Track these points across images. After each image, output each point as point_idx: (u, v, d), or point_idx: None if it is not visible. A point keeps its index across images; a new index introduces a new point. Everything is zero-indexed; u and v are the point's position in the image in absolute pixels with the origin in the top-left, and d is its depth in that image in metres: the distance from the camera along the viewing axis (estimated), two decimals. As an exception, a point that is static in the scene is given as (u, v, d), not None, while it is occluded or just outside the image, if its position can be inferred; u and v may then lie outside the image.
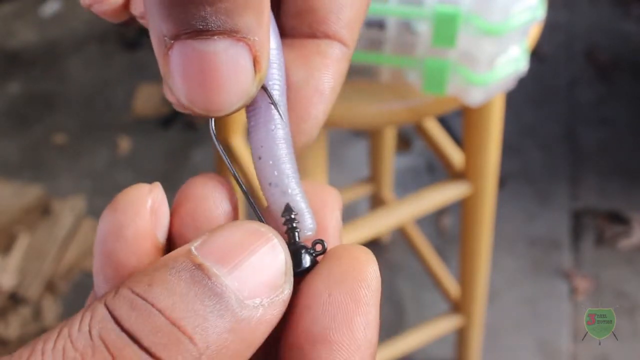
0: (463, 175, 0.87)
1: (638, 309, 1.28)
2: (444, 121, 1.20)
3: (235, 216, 0.22)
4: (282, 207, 0.22)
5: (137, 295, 0.17)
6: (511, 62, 0.69)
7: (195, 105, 0.20)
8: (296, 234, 0.22)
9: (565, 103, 1.66)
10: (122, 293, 0.18)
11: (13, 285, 1.32)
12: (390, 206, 0.91)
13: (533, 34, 0.74)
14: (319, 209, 0.23)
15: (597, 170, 1.50)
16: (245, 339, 0.18)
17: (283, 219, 0.22)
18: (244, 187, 0.23)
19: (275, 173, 0.22)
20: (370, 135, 1.22)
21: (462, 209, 0.93)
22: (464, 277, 1.01)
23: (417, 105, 0.71)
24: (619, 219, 1.41)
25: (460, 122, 0.86)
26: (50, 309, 1.29)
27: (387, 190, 1.25)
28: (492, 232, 0.96)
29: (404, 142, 1.54)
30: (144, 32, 0.25)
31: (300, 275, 0.22)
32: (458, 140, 0.95)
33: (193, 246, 0.19)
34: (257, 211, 0.22)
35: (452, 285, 1.08)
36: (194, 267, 0.18)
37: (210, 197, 0.22)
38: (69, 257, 1.37)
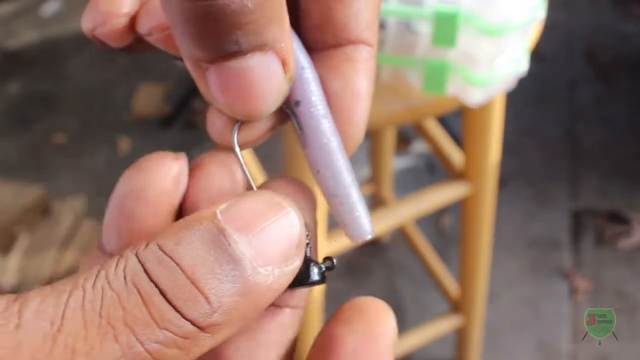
0: (463, 175, 0.87)
1: (638, 309, 1.28)
2: (444, 121, 1.20)
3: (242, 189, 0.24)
4: (345, 216, 0.23)
5: (165, 252, 0.19)
6: (511, 62, 0.69)
7: (237, 114, 0.22)
8: (308, 249, 0.23)
9: (565, 103, 1.66)
10: (151, 248, 0.20)
11: (13, 285, 1.32)
12: (390, 206, 0.91)
13: (533, 34, 0.74)
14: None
15: (597, 170, 1.50)
16: (253, 303, 0.20)
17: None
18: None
19: (333, 184, 0.23)
20: (370, 135, 1.22)
21: (462, 209, 0.93)
22: (464, 277, 1.01)
23: (417, 105, 0.71)
24: (619, 219, 1.41)
25: (460, 122, 0.86)
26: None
27: (387, 190, 1.25)
28: (492, 232, 0.96)
29: (403, 142, 1.54)
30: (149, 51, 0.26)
31: (308, 286, 0.23)
32: (458, 140, 0.95)
33: (218, 210, 0.20)
34: None
35: (452, 285, 1.08)
36: (217, 232, 0.20)
37: (222, 171, 0.24)
38: (69, 257, 1.37)
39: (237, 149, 0.24)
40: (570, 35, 1.80)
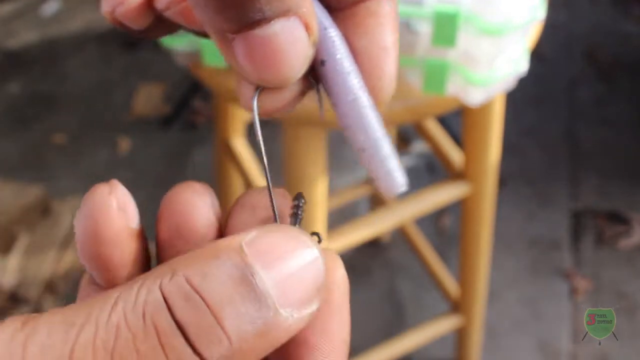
0: (463, 175, 0.87)
1: (638, 309, 1.28)
2: (444, 121, 1.20)
3: (217, 226, 0.23)
4: (376, 169, 0.23)
5: (192, 287, 0.19)
6: (511, 62, 0.69)
7: (265, 81, 0.22)
8: (298, 220, 0.24)
9: (565, 103, 1.66)
10: (178, 281, 0.19)
11: (13, 285, 1.32)
12: (390, 206, 0.91)
13: (533, 34, 0.74)
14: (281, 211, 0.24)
15: (597, 170, 1.50)
16: (269, 343, 0.19)
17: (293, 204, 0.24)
18: (269, 178, 0.24)
19: (363, 138, 0.23)
20: (370, 135, 1.22)
21: (462, 209, 0.93)
22: (464, 277, 1.01)
23: (417, 105, 0.71)
24: (619, 219, 1.41)
25: (460, 122, 0.86)
26: (50, 309, 1.29)
27: (387, 190, 1.25)
28: (492, 232, 0.96)
29: (403, 142, 1.54)
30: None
31: None
32: (458, 140, 0.95)
33: (244, 242, 0.20)
34: (274, 207, 0.24)
35: (452, 285, 1.08)
36: (244, 267, 0.19)
37: (196, 207, 0.23)
38: (69, 257, 1.37)
39: (257, 115, 0.23)
40: (570, 35, 1.80)
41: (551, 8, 0.79)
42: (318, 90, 0.24)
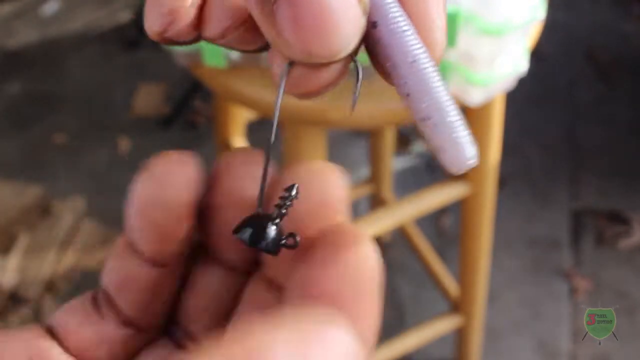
0: (463, 175, 0.87)
1: (638, 309, 1.28)
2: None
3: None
4: (442, 139, 0.20)
5: None
6: (511, 62, 0.69)
7: (315, 55, 0.19)
8: (283, 211, 0.21)
9: (565, 103, 1.66)
10: None
11: (13, 285, 1.32)
12: (390, 206, 0.91)
13: (533, 34, 0.74)
14: (321, 186, 0.22)
15: (597, 170, 1.50)
16: None
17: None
18: (268, 156, 0.22)
19: (425, 104, 0.20)
20: (370, 135, 1.22)
21: (462, 209, 0.93)
22: (464, 277, 1.01)
23: (417, 105, 0.71)
24: (619, 219, 1.41)
25: (460, 122, 0.86)
26: (50, 309, 1.29)
27: (387, 190, 1.25)
28: (492, 232, 0.96)
29: (403, 142, 1.54)
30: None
31: (259, 249, 0.21)
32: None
33: None
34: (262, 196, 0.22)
35: (452, 285, 1.08)
36: None
37: (246, 175, 0.22)
38: (69, 257, 1.37)
39: (281, 93, 0.21)
40: (570, 35, 1.80)
41: (551, 8, 0.79)
42: (358, 71, 0.22)
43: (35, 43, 1.87)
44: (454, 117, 0.20)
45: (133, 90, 1.72)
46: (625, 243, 1.38)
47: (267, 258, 0.23)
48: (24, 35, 1.89)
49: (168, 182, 0.22)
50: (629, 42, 1.78)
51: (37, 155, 1.59)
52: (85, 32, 1.88)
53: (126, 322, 0.24)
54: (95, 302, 0.24)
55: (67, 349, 0.23)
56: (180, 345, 0.25)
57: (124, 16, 1.91)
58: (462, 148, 0.20)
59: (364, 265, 0.19)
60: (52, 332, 0.23)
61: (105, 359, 0.24)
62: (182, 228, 0.22)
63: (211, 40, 0.22)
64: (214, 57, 0.72)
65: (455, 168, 0.20)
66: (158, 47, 0.79)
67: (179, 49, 0.74)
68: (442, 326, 1.07)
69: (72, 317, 0.24)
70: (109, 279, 0.24)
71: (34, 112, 1.68)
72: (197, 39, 0.22)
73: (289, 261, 0.22)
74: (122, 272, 0.23)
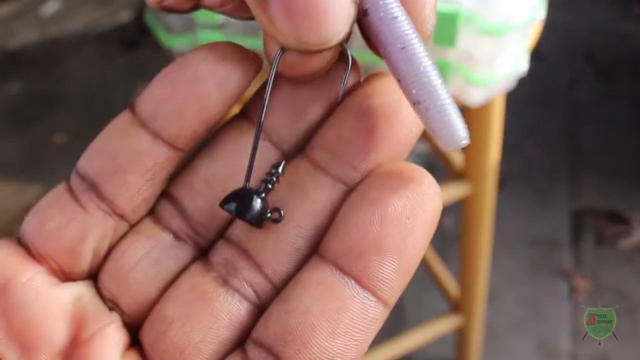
0: (463, 175, 0.87)
1: (638, 309, 1.28)
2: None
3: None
4: (434, 122, 0.21)
5: None
6: (511, 62, 0.69)
7: (306, 43, 0.19)
8: (269, 187, 0.22)
9: (565, 103, 1.66)
10: None
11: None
12: (390, 206, 0.91)
13: (533, 34, 0.74)
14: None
15: (597, 170, 1.50)
16: None
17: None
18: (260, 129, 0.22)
19: (417, 89, 0.21)
20: (370, 135, 1.22)
21: (462, 209, 0.93)
22: (464, 277, 1.01)
23: (417, 105, 0.71)
24: (619, 219, 1.41)
25: (460, 122, 0.86)
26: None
27: (387, 190, 1.25)
28: (492, 232, 0.96)
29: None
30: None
31: (243, 220, 0.22)
32: (458, 140, 0.94)
33: None
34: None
35: (452, 285, 1.08)
36: None
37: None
38: (69, 257, 1.37)
39: (272, 77, 0.22)
40: (570, 35, 1.80)
41: (551, 8, 0.79)
42: (348, 59, 0.22)
43: (35, 43, 1.87)
44: (445, 100, 0.21)
45: (133, 90, 1.72)
46: (625, 243, 1.38)
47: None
48: (24, 35, 1.89)
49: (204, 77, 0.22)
50: (629, 42, 1.78)
51: (37, 155, 1.59)
52: (85, 32, 1.88)
53: (116, 212, 0.24)
54: (73, 194, 0.24)
55: (44, 261, 0.23)
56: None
57: (124, 16, 1.91)
58: (454, 130, 0.21)
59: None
60: (27, 246, 0.23)
61: (89, 258, 0.24)
62: (213, 118, 0.23)
63: (210, 8, 0.22)
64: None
65: (449, 149, 0.22)
66: (158, 47, 0.79)
67: (179, 49, 0.74)
68: (442, 326, 1.07)
69: (48, 218, 0.24)
70: (96, 164, 0.24)
71: (34, 112, 1.68)
72: (196, 7, 0.22)
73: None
74: (127, 149, 0.24)
